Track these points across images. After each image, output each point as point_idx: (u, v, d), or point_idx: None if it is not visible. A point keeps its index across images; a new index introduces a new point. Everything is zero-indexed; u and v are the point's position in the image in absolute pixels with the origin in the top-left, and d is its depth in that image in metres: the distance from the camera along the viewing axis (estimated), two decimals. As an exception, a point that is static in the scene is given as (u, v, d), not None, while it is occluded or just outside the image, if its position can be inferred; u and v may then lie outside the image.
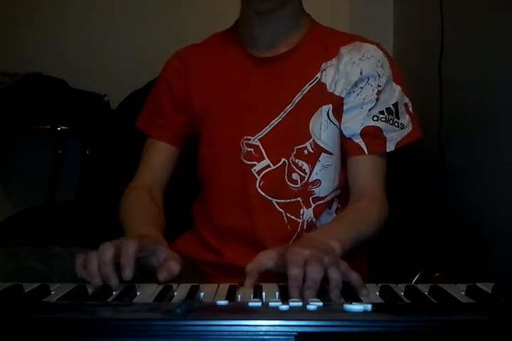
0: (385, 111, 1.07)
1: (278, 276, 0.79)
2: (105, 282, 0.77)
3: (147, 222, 1.02)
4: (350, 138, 1.07)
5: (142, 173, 1.15)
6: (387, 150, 1.07)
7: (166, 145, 1.15)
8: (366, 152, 1.06)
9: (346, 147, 1.08)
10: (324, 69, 1.08)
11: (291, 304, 0.58)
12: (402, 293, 0.72)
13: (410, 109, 1.10)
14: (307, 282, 0.72)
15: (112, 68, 1.98)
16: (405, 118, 1.09)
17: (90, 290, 0.75)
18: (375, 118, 1.06)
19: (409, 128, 1.09)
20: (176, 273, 0.80)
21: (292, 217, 1.07)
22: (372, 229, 1.00)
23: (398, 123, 1.07)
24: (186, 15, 1.99)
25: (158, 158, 1.15)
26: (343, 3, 2.01)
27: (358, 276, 0.76)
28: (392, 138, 1.07)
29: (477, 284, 0.76)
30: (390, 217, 1.05)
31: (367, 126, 1.06)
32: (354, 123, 1.06)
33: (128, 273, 0.77)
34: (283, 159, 1.07)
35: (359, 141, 1.06)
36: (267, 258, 0.81)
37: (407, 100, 1.10)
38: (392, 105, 1.07)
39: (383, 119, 1.06)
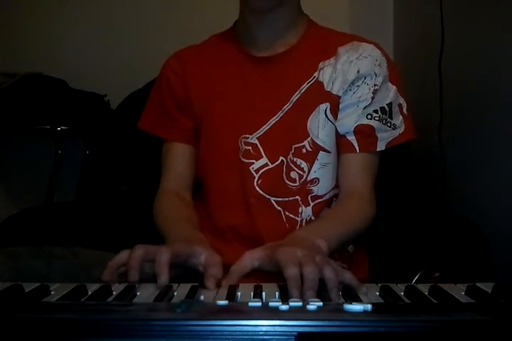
0: (379, 110, 1.07)
1: (276, 276, 0.79)
2: (126, 273, 0.77)
3: (183, 223, 1.03)
4: (343, 136, 1.08)
5: (167, 178, 1.15)
6: (378, 149, 1.07)
7: (182, 145, 1.15)
8: (357, 150, 1.07)
9: (340, 144, 1.09)
10: (322, 68, 1.08)
11: (291, 304, 0.58)
12: (402, 293, 0.72)
13: (404, 110, 1.10)
14: (306, 282, 0.72)
15: (112, 68, 1.98)
16: (398, 119, 1.09)
17: (90, 290, 0.75)
18: (369, 116, 1.07)
19: (402, 129, 1.09)
20: (220, 277, 0.81)
21: (291, 215, 1.07)
22: (356, 229, 1.02)
23: (391, 123, 1.08)
24: (186, 15, 1.99)
25: (179, 160, 1.15)
26: (343, 3, 2.01)
27: (351, 274, 0.77)
28: (383, 138, 1.07)
29: (477, 284, 0.76)
30: (389, 217, 1.05)
31: (360, 124, 1.06)
32: (348, 121, 1.07)
33: (164, 279, 0.77)
34: (281, 158, 1.07)
35: (352, 138, 1.07)
36: (252, 259, 0.83)
37: (401, 101, 1.10)
38: (387, 105, 1.08)
39: (377, 118, 1.07)
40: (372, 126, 1.06)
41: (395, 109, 1.09)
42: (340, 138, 1.08)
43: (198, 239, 0.96)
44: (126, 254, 0.80)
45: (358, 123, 1.06)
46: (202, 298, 0.72)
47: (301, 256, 0.76)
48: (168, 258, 0.79)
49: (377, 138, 1.07)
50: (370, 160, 1.08)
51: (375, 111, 1.07)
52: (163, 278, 0.77)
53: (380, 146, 1.07)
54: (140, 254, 0.79)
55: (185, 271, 0.83)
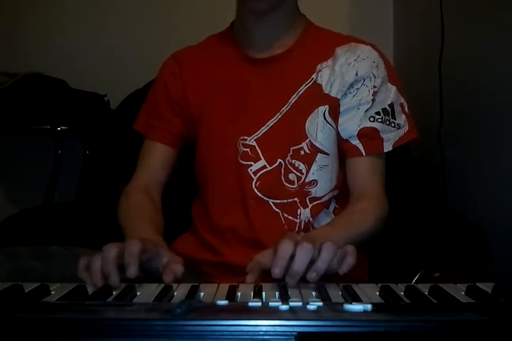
0: (381, 111, 1.07)
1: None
2: (106, 279, 0.77)
3: (147, 223, 1.02)
4: (347, 140, 1.07)
5: (140, 174, 1.15)
6: (385, 150, 1.07)
7: (163, 146, 1.15)
8: (364, 153, 1.06)
9: (344, 149, 1.08)
10: (320, 70, 1.08)
11: (291, 304, 0.58)
12: (402, 293, 0.72)
13: (406, 109, 1.11)
14: (294, 263, 0.74)
15: (112, 68, 1.98)
16: (401, 119, 1.09)
17: (90, 290, 0.75)
18: (372, 119, 1.07)
19: (406, 128, 1.09)
20: (179, 275, 0.81)
21: (289, 217, 1.07)
22: (367, 231, 1.01)
23: (395, 123, 1.08)
24: (186, 15, 1.99)
25: (156, 159, 1.15)
26: (343, 4, 2.01)
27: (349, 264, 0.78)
28: (389, 139, 1.07)
29: (477, 284, 0.76)
30: (390, 217, 1.05)
31: (364, 128, 1.06)
32: (351, 125, 1.07)
33: (133, 269, 0.77)
34: (279, 160, 1.07)
35: (356, 142, 1.07)
36: (264, 258, 0.82)
37: (402, 100, 1.10)
38: (388, 106, 1.08)
39: (380, 120, 1.07)
40: (375, 128, 1.06)
41: (397, 108, 1.09)
42: (343, 142, 1.08)
43: (161, 244, 0.94)
44: (99, 261, 0.79)
45: (361, 126, 1.06)
46: (202, 297, 0.72)
47: (300, 239, 0.77)
48: (138, 249, 0.80)
49: (382, 139, 1.07)
50: (377, 162, 1.08)
51: (377, 113, 1.07)
52: (133, 269, 0.77)
53: (387, 147, 1.07)
54: (113, 255, 0.79)
55: (144, 275, 0.83)
